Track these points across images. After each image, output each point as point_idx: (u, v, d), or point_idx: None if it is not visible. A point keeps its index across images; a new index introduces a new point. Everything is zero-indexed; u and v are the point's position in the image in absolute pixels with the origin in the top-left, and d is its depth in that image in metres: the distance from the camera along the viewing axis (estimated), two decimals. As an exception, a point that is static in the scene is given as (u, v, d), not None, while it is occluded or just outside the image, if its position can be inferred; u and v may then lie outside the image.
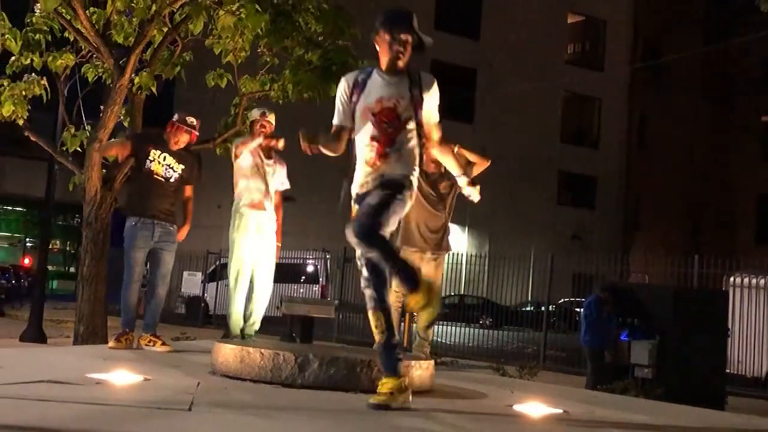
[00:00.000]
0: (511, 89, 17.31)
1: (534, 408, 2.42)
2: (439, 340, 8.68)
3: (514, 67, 18.25)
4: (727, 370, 6.61)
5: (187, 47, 4.57)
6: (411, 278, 2.13)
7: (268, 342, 3.28)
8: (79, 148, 4.47)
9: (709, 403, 4.10)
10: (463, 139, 3.98)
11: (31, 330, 7.08)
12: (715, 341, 6.04)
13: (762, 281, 7.54)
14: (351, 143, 2.28)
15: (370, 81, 2.21)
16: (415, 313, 3.82)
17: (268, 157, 3.32)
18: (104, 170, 4.22)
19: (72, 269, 18.79)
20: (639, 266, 11.30)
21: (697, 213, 20.88)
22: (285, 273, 10.08)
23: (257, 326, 3.39)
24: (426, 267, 3.58)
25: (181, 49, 4.54)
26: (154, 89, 4.32)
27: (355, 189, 2.24)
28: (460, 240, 16.73)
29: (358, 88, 2.22)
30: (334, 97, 2.31)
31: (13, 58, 4.21)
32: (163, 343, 3.30)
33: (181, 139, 3.34)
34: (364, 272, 2.16)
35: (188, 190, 3.44)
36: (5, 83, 4.24)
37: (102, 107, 4.24)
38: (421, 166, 3.57)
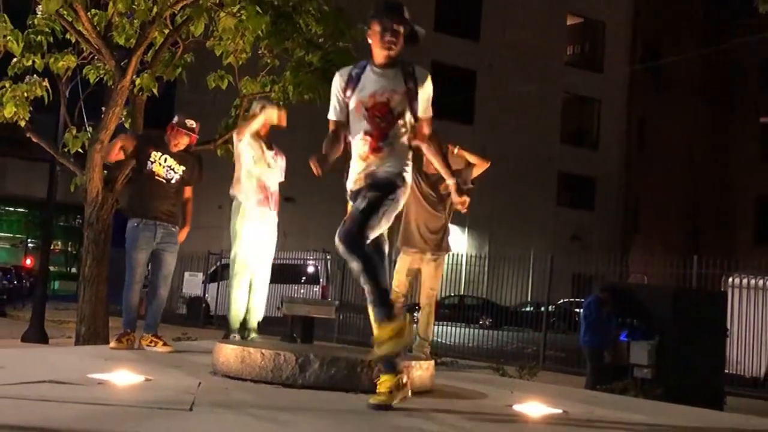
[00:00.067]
0: (510, 90, 17.36)
1: (534, 408, 2.43)
2: (439, 340, 8.69)
3: (513, 69, 18.27)
4: (726, 371, 6.63)
5: (188, 49, 4.58)
6: (384, 306, 2.07)
7: (269, 342, 3.28)
8: (80, 150, 4.48)
9: (708, 403, 4.11)
10: (463, 141, 4.00)
11: (33, 330, 7.11)
12: (714, 341, 6.06)
13: (761, 282, 7.56)
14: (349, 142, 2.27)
15: (364, 75, 2.19)
16: (416, 314, 3.82)
17: (269, 149, 3.33)
18: (105, 171, 4.23)
19: (73, 270, 19.02)
20: (638, 267, 11.33)
21: (696, 214, 20.92)
22: (285, 274, 10.09)
23: (260, 315, 3.38)
24: (426, 267, 3.60)
25: (182, 51, 4.55)
26: (155, 90, 4.33)
27: (349, 185, 2.22)
28: (460, 241, 16.74)
29: (352, 82, 2.19)
30: None
31: (14, 59, 4.21)
32: (165, 344, 3.32)
33: (181, 142, 3.36)
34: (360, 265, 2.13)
35: (188, 191, 3.46)
36: (7, 85, 4.25)
37: (103, 108, 4.26)
38: (421, 167, 3.64)
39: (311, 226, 13.57)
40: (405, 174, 2.18)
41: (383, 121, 2.15)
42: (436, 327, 4.29)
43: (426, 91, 2.21)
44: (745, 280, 7.61)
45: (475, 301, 11.31)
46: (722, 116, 21.38)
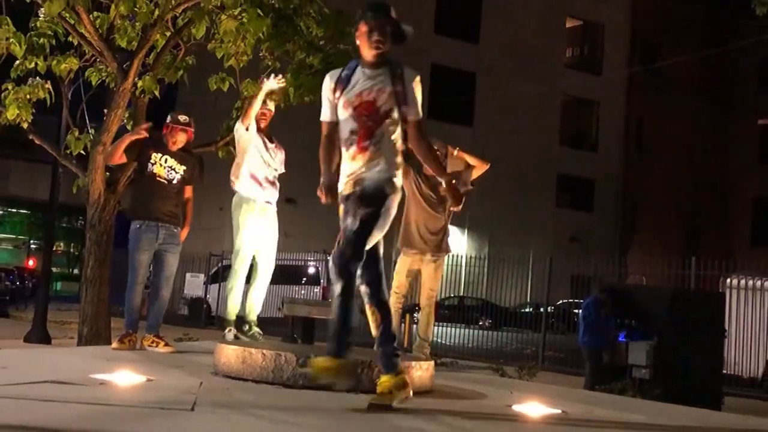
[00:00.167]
0: (510, 92, 17.41)
1: (533, 408, 2.44)
2: (439, 341, 8.71)
3: (513, 71, 18.32)
4: (724, 371, 6.67)
5: (189, 51, 4.60)
6: (340, 342, 2.06)
7: (270, 343, 3.30)
8: (82, 151, 4.50)
9: (706, 404, 4.13)
10: (463, 143, 4.02)
11: (36, 331, 7.12)
12: (712, 342, 6.08)
13: (758, 283, 7.59)
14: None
15: (353, 76, 2.20)
16: (416, 315, 3.82)
17: (270, 141, 3.34)
18: (108, 173, 4.25)
19: (76, 271, 18.98)
20: (637, 268, 11.37)
21: (695, 215, 20.97)
22: (286, 274, 10.10)
23: (259, 309, 3.39)
24: (426, 268, 3.61)
25: (184, 53, 4.57)
26: (157, 93, 4.35)
27: (339, 187, 2.21)
28: (459, 242, 16.76)
29: (341, 83, 2.20)
30: None
31: (17, 62, 4.23)
32: (166, 344, 3.33)
33: (179, 139, 3.37)
34: (358, 270, 2.15)
35: (188, 191, 3.47)
36: (10, 87, 4.27)
37: (105, 111, 4.26)
38: (421, 168, 3.66)
39: (312, 227, 13.59)
40: (395, 178, 2.17)
41: (370, 120, 2.15)
42: (435, 328, 4.31)
43: (415, 93, 2.20)
44: (742, 281, 7.65)
45: (474, 301, 11.32)
46: (721, 118, 21.44)
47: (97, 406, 1.92)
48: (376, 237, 2.14)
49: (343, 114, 2.20)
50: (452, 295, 10.88)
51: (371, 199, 2.11)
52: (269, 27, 4.07)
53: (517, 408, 2.47)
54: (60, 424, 1.71)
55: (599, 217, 20.11)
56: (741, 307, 7.58)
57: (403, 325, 7.40)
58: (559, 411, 2.47)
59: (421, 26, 18.86)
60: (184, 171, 3.41)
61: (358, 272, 2.15)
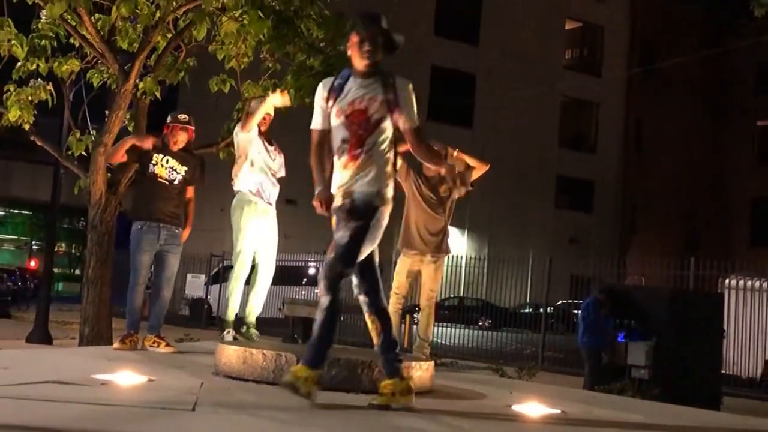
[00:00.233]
0: (510, 94, 17.43)
1: (532, 408, 2.46)
2: (439, 341, 8.74)
3: (513, 72, 18.36)
4: (723, 371, 6.68)
5: (190, 53, 4.62)
6: (319, 354, 2.09)
7: (271, 343, 3.31)
8: (84, 153, 4.50)
9: (705, 404, 4.16)
10: (463, 144, 4.04)
11: (37, 331, 7.15)
12: (711, 342, 6.11)
13: (757, 283, 7.62)
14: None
15: (346, 85, 2.22)
16: (416, 316, 3.84)
17: (270, 144, 3.36)
18: (109, 174, 4.26)
19: (77, 271, 19.03)
20: (636, 269, 11.39)
21: (694, 216, 21.02)
22: (287, 275, 10.11)
23: (258, 311, 3.41)
24: (426, 269, 3.63)
25: (185, 55, 4.59)
26: (158, 94, 4.36)
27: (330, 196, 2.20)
28: (459, 243, 16.77)
29: (334, 92, 2.22)
30: None
31: (19, 63, 4.25)
32: (167, 345, 3.34)
33: (180, 138, 3.38)
34: (354, 279, 2.18)
35: (190, 192, 3.48)
36: (12, 88, 4.28)
37: (107, 112, 4.28)
38: (421, 170, 3.67)
39: (312, 228, 13.57)
40: (385, 190, 2.18)
41: (360, 128, 2.17)
42: (435, 328, 4.32)
43: (408, 101, 2.22)
44: (741, 282, 7.67)
45: (474, 302, 11.35)
46: (720, 119, 21.50)
47: (99, 406, 1.93)
48: (368, 249, 2.15)
49: (335, 122, 2.22)
50: (452, 296, 10.90)
51: (360, 213, 2.12)
52: (270, 29, 4.08)
53: (516, 408, 2.48)
54: (61, 424, 1.72)
55: (598, 218, 20.14)
56: (740, 308, 7.60)
57: (403, 325, 7.41)
58: (559, 411, 2.48)
59: (421, 28, 18.92)
60: (185, 172, 3.42)
61: (355, 282, 2.17)
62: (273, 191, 3.37)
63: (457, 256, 9.98)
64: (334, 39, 4.19)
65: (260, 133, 3.34)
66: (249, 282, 3.40)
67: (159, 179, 3.36)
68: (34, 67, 4.26)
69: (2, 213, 20.61)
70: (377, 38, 2.19)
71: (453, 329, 9.97)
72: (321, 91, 2.26)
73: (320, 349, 2.11)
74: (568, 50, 21.16)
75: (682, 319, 5.84)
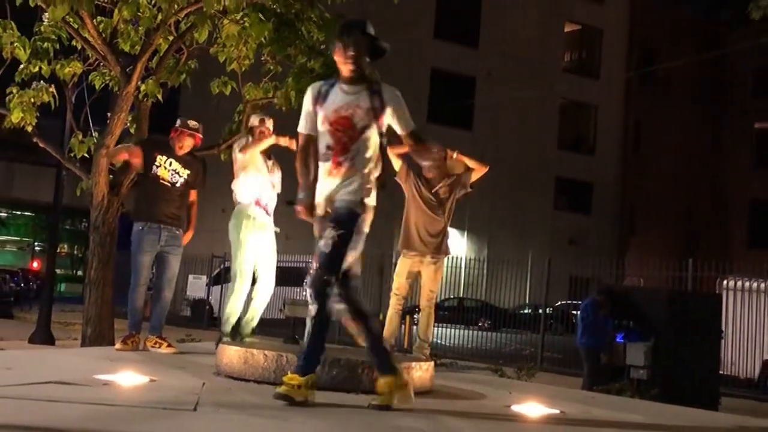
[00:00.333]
0: (509, 96, 17.48)
1: (532, 408, 2.48)
2: (438, 342, 8.75)
3: (512, 75, 18.39)
4: (721, 372, 6.69)
5: (192, 55, 4.64)
6: (309, 362, 2.11)
7: (271, 344, 3.34)
8: (86, 154, 4.52)
9: (703, 404, 4.21)
10: (463, 146, 4.07)
11: (40, 332, 7.16)
12: (709, 343, 6.13)
13: (755, 284, 7.65)
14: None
15: (332, 92, 2.23)
16: (416, 316, 3.85)
17: (269, 158, 3.38)
18: (111, 175, 4.27)
19: (79, 272, 18.82)
20: (634, 270, 11.42)
21: (692, 217, 21.08)
22: (287, 276, 10.14)
23: (255, 324, 3.43)
24: (426, 270, 3.65)
25: (187, 57, 4.60)
26: (159, 96, 4.37)
27: (316, 200, 2.23)
28: (459, 244, 16.78)
29: (321, 98, 2.23)
30: None
31: (21, 66, 4.26)
32: (169, 345, 3.36)
33: (186, 144, 3.41)
34: (335, 289, 2.14)
35: (192, 195, 3.50)
36: (14, 91, 4.29)
37: (109, 114, 4.29)
38: (421, 171, 3.70)
39: (313, 229, 13.61)
40: (366, 199, 2.18)
41: (345, 135, 2.18)
42: (435, 329, 4.35)
43: (396, 108, 2.22)
44: (739, 283, 7.70)
45: (474, 303, 11.37)
46: (717, 122, 21.57)
47: (101, 406, 1.94)
48: (351, 257, 2.17)
49: (321, 129, 2.23)
50: (452, 297, 10.93)
51: (343, 222, 2.13)
52: (271, 31, 4.10)
53: (516, 408, 2.50)
54: (64, 424, 1.74)
55: (597, 219, 20.18)
56: (738, 309, 7.63)
57: (403, 326, 7.41)
58: (558, 411, 2.50)
59: (421, 30, 19.00)
60: (187, 175, 3.44)
61: (336, 290, 2.17)
62: (271, 205, 3.38)
63: (456, 257, 9.99)
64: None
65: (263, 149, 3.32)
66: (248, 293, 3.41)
67: (161, 181, 3.38)
68: (37, 69, 4.27)
69: (5, 214, 20.60)
70: (361, 44, 2.20)
71: (453, 330, 10.00)
72: (309, 96, 2.28)
73: (312, 357, 2.14)
74: (568, 52, 21.21)
75: (681, 320, 5.86)
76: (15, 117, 4.25)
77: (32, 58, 4.23)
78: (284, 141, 3.25)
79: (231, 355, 2.65)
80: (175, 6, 4.01)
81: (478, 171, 3.75)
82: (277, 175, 3.44)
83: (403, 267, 3.67)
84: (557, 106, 20.01)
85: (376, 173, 2.24)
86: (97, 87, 4.67)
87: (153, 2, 4.11)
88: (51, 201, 7.99)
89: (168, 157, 3.40)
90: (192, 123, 3.43)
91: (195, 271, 12.53)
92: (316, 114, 2.24)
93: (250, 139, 3.34)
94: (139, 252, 3.34)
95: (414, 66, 17.49)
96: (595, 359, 5.80)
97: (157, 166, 3.38)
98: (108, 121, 4.26)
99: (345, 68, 2.21)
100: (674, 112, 20.61)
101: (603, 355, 5.80)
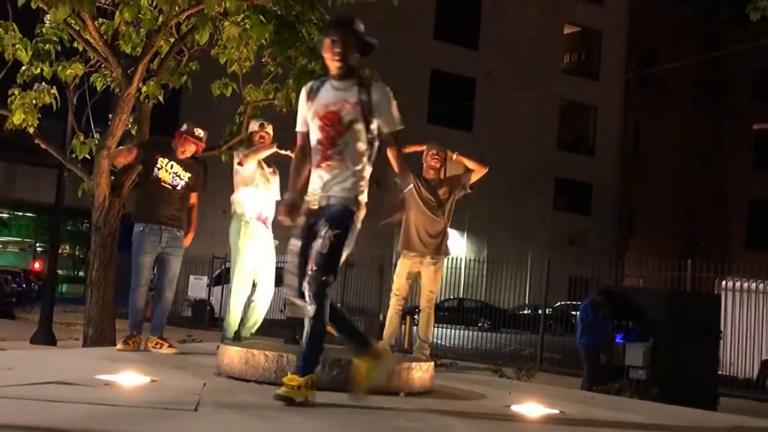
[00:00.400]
0: (509, 97, 17.51)
1: (531, 408, 2.49)
2: (438, 342, 8.76)
3: (512, 76, 18.40)
4: (720, 372, 6.72)
5: (193, 57, 4.65)
6: (311, 361, 2.12)
7: (272, 344, 3.35)
8: (88, 156, 4.52)
9: (702, 404, 4.23)
10: (462, 147, 4.09)
11: (42, 332, 7.18)
12: (708, 343, 6.15)
13: (753, 285, 7.67)
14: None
15: (323, 88, 2.24)
16: (416, 317, 3.86)
17: (268, 166, 3.40)
18: (112, 177, 4.29)
19: (81, 273, 18.88)
20: (633, 270, 11.44)
21: (691, 218, 21.10)
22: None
23: (255, 329, 3.45)
24: (426, 271, 3.66)
25: (188, 59, 4.61)
26: (161, 98, 4.38)
27: (306, 200, 2.23)
28: (459, 244, 16.79)
29: (313, 95, 2.25)
30: None
31: (23, 67, 4.27)
32: (170, 346, 3.38)
33: (188, 150, 3.42)
34: (296, 284, 2.16)
35: (193, 197, 3.52)
36: (16, 92, 4.31)
37: (110, 115, 4.30)
38: (420, 172, 3.71)
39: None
40: (360, 197, 2.19)
41: (332, 130, 2.18)
42: (435, 329, 4.36)
43: (384, 105, 2.20)
44: (738, 284, 7.72)
45: (473, 303, 11.38)
46: (716, 123, 21.61)
47: (102, 406, 1.95)
48: (347, 252, 2.19)
49: (312, 126, 2.25)
50: (452, 297, 10.94)
51: (338, 220, 2.14)
52: (271, 33, 4.12)
53: (515, 408, 2.51)
54: (65, 424, 1.75)
55: (596, 220, 20.20)
56: (736, 309, 7.65)
57: (403, 326, 7.43)
58: (557, 411, 2.51)
59: (421, 32, 19.04)
60: (188, 178, 3.45)
61: (297, 287, 2.19)
62: (270, 213, 3.40)
63: (456, 258, 10.01)
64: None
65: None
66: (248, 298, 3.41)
67: (162, 183, 3.39)
68: (39, 71, 4.28)
69: (6, 215, 20.64)
70: (349, 41, 2.20)
71: (453, 330, 10.01)
72: (303, 95, 2.30)
73: (311, 358, 2.14)
74: (567, 54, 21.25)
75: (680, 321, 5.88)
76: (17, 118, 4.27)
77: (34, 59, 4.24)
78: (284, 152, 3.28)
79: (232, 355, 2.66)
80: (176, 8, 4.02)
81: (478, 172, 3.77)
82: (275, 181, 3.45)
83: (403, 268, 3.69)
84: (557, 107, 20.03)
85: (368, 169, 2.23)
86: (98, 88, 4.68)
87: (154, 4, 4.13)
88: (52, 202, 8.03)
89: (169, 160, 3.42)
90: (197, 131, 3.44)
91: (196, 271, 12.56)
92: (309, 111, 2.27)
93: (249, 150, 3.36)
94: (140, 253, 3.35)
95: (414, 67, 17.51)
96: (595, 359, 5.82)
97: (158, 168, 3.39)
98: (109, 123, 4.27)
99: (332, 65, 2.22)
100: (673, 113, 20.64)
101: (602, 356, 5.81)
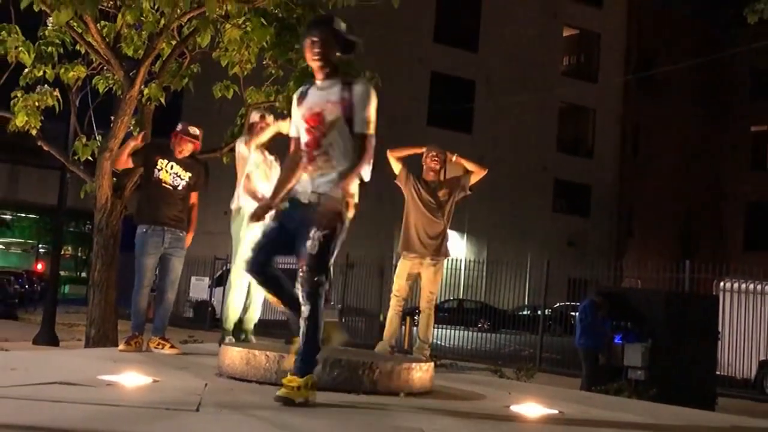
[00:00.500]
0: (508, 100, 17.56)
1: (530, 409, 2.50)
2: (438, 343, 8.79)
3: (511, 79, 18.46)
4: (718, 372, 6.76)
5: (194, 59, 4.66)
6: (309, 361, 2.15)
7: (273, 345, 3.37)
8: (90, 157, 4.54)
9: (700, 404, 4.23)
10: (462, 149, 4.11)
11: (44, 333, 7.21)
12: (706, 344, 6.18)
13: (751, 286, 7.71)
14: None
15: (310, 92, 2.25)
16: (416, 318, 3.88)
17: (270, 153, 3.40)
18: (115, 178, 4.29)
19: (83, 274, 18.94)
20: (632, 271, 11.47)
21: (689, 220, 21.13)
22: (289, 278, 10.14)
23: (256, 319, 3.45)
24: (426, 272, 3.67)
25: (189, 62, 4.63)
26: (162, 100, 4.40)
27: (293, 193, 2.22)
28: (458, 246, 16.82)
29: (301, 99, 2.26)
30: None
31: (26, 70, 4.29)
32: (172, 346, 3.38)
33: (185, 149, 3.44)
34: (259, 278, 2.21)
35: (193, 197, 3.53)
36: (19, 94, 4.32)
37: (112, 118, 4.32)
38: (420, 174, 3.73)
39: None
40: (348, 198, 2.18)
41: (317, 130, 2.19)
42: (435, 330, 4.37)
43: (362, 104, 2.17)
44: (736, 285, 7.77)
45: (473, 304, 11.42)
46: (714, 125, 21.66)
47: (104, 406, 1.96)
48: (335, 253, 2.20)
49: (300, 129, 2.26)
50: (452, 298, 10.98)
51: (327, 221, 2.14)
52: (272, 36, 4.13)
53: (515, 408, 2.52)
54: (68, 424, 1.75)
55: (595, 221, 20.24)
56: (734, 310, 7.69)
57: (403, 327, 7.44)
58: (556, 411, 2.52)
59: (421, 35, 19.04)
60: (189, 178, 3.47)
61: (259, 280, 2.25)
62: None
63: (456, 259, 10.07)
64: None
65: (261, 144, 3.36)
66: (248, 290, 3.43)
67: (163, 184, 3.41)
68: (41, 73, 4.30)
69: (9, 217, 20.66)
70: (328, 40, 2.19)
71: (452, 331, 10.03)
72: (294, 100, 2.33)
73: (309, 358, 2.16)
74: (566, 57, 21.31)
75: (678, 321, 5.91)
76: (20, 120, 4.28)
77: (37, 62, 4.26)
78: (286, 127, 3.24)
79: (233, 356, 2.67)
80: (178, 11, 4.04)
81: (477, 174, 3.78)
82: (276, 171, 3.42)
83: (403, 269, 3.70)
84: (556, 109, 20.06)
85: (363, 168, 2.21)
86: (100, 91, 4.70)
87: (156, 7, 4.14)
88: (55, 203, 8.05)
89: (169, 161, 3.44)
90: (192, 130, 3.46)
91: (198, 272, 12.61)
92: (298, 116, 2.29)
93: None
94: (143, 254, 3.37)
95: (414, 69, 17.54)
96: (594, 360, 5.84)
97: (159, 170, 3.41)
98: (111, 125, 4.28)
99: (314, 65, 2.23)
100: (672, 114, 20.68)
101: (601, 356, 5.84)
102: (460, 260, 10.58)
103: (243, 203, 3.36)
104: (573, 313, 8.21)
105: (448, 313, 10.60)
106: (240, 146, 3.40)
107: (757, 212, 20.27)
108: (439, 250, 3.68)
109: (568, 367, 7.64)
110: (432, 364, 2.84)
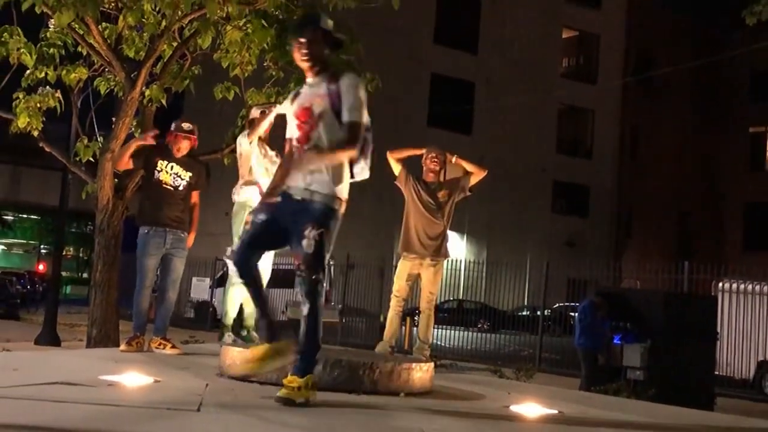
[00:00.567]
0: (508, 101, 17.59)
1: (530, 409, 2.51)
2: (438, 343, 8.80)
3: (511, 80, 18.49)
4: (716, 372, 6.80)
5: (195, 61, 4.67)
6: (310, 359, 2.16)
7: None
8: (91, 158, 4.55)
9: (699, 404, 4.26)
10: (462, 150, 4.13)
11: (46, 333, 7.25)
12: (705, 344, 6.20)
13: (750, 286, 7.74)
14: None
15: (301, 91, 2.28)
16: (416, 318, 3.88)
17: (271, 148, 3.41)
18: (116, 179, 4.30)
19: (85, 275, 19.07)
20: (631, 272, 11.49)
21: (688, 220, 21.17)
22: (290, 278, 10.17)
23: (256, 315, 3.49)
24: (425, 273, 3.68)
25: (190, 63, 4.64)
26: (164, 101, 4.42)
27: (288, 181, 2.20)
28: (458, 247, 16.83)
29: (294, 99, 2.29)
30: None
31: (28, 71, 4.30)
32: (173, 346, 3.39)
33: (182, 146, 3.45)
34: (238, 269, 2.21)
35: (194, 197, 3.54)
36: (21, 96, 4.34)
37: (114, 119, 4.33)
38: (420, 175, 3.75)
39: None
40: (340, 195, 2.18)
41: (306, 125, 2.20)
42: (435, 330, 4.39)
43: (348, 95, 2.16)
44: (734, 285, 7.80)
45: (473, 305, 11.44)
46: (713, 126, 21.70)
47: (106, 406, 1.97)
48: (330, 249, 2.22)
49: (291, 126, 2.27)
50: (451, 299, 11.01)
51: (321, 220, 2.16)
52: (273, 37, 4.14)
53: (514, 408, 2.53)
54: (70, 424, 1.76)
55: (594, 222, 20.26)
56: (733, 310, 7.71)
57: (403, 328, 7.45)
58: (556, 411, 2.53)
59: (421, 37, 19.08)
60: (189, 177, 3.48)
61: (238, 274, 2.25)
62: None
63: (456, 260, 10.09)
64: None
65: (262, 139, 3.39)
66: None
67: (164, 185, 3.42)
68: (43, 75, 4.31)
69: (11, 217, 20.68)
70: (315, 39, 2.21)
71: (452, 331, 10.05)
72: (287, 101, 2.35)
73: (309, 357, 2.17)
74: (565, 58, 21.35)
75: (677, 322, 5.93)
76: (21, 122, 4.29)
77: (38, 63, 4.27)
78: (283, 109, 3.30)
79: (234, 356, 2.68)
80: (179, 12, 4.06)
81: (477, 175, 3.79)
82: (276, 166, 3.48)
83: (403, 269, 3.71)
84: (555, 110, 20.09)
85: (348, 164, 2.22)
86: (102, 92, 4.71)
87: (157, 9, 4.16)
88: (57, 204, 8.07)
89: (169, 162, 3.45)
90: (185, 125, 3.47)
91: (199, 273, 12.64)
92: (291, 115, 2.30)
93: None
94: (145, 255, 3.38)
95: (414, 70, 17.57)
96: (593, 360, 5.86)
97: (159, 171, 3.42)
98: (113, 126, 4.30)
99: (303, 65, 2.25)
100: (671, 116, 20.72)
101: (600, 356, 5.86)
102: (460, 261, 10.59)
103: (244, 197, 3.37)
104: (572, 314, 8.23)
105: (447, 314, 10.63)
106: (242, 140, 3.41)
107: (755, 213, 20.29)
108: (439, 251, 3.69)
109: (568, 368, 7.66)
110: (432, 364, 2.86)
